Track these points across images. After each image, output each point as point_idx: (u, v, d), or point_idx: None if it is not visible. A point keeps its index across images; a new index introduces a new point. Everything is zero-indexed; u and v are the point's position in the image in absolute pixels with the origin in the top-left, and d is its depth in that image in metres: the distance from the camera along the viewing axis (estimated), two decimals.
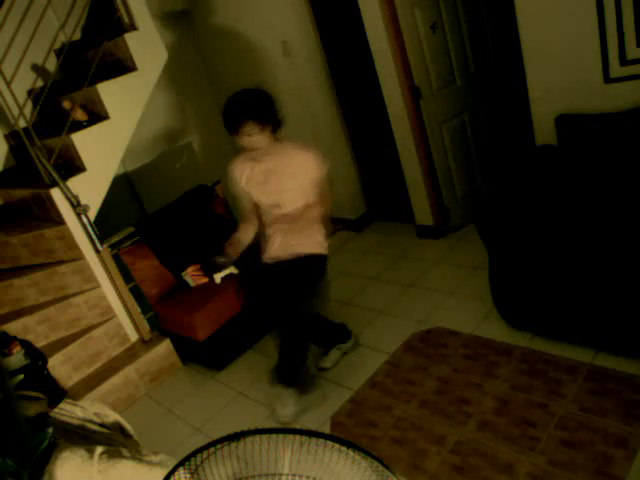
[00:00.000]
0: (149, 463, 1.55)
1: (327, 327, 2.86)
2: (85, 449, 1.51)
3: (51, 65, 3.62)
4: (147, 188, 4.31)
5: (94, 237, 3.02)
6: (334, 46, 4.01)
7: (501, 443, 2.12)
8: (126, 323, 3.25)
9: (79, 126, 3.15)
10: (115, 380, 3.05)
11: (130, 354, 3.21)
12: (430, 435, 2.26)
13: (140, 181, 4.31)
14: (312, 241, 2.59)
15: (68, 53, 3.26)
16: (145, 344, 3.26)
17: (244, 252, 2.68)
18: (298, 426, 2.48)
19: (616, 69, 2.57)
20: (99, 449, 1.53)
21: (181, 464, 1.01)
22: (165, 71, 3.49)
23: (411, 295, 3.30)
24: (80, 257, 3.06)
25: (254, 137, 2.36)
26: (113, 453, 1.53)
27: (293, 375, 2.62)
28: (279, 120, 2.45)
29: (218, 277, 3.25)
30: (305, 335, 2.58)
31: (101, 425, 1.95)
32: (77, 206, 2.94)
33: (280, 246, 2.61)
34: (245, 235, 2.69)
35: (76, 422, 1.88)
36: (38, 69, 3.68)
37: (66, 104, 3.19)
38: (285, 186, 2.49)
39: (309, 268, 2.58)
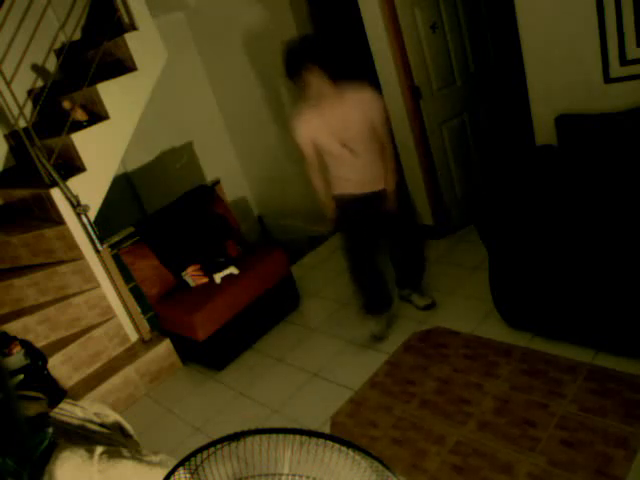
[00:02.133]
0: (149, 463, 1.56)
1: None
2: (85, 449, 1.51)
3: (51, 65, 3.61)
4: (147, 188, 4.32)
5: (94, 237, 3.02)
6: (334, 46, 4.00)
7: (501, 443, 2.12)
8: (126, 323, 3.25)
9: (79, 126, 3.15)
10: (115, 380, 3.05)
11: (130, 354, 3.21)
12: (430, 435, 2.26)
13: (140, 181, 4.31)
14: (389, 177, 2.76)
15: (68, 53, 3.26)
16: (145, 344, 3.26)
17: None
18: (298, 426, 2.49)
19: (616, 69, 2.57)
20: (99, 449, 1.53)
21: (181, 464, 1.01)
22: (165, 71, 3.48)
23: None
24: (80, 257, 3.07)
25: (316, 80, 2.43)
26: (113, 453, 1.54)
27: (377, 302, 3.00)
28: (338, 67, 2.52)
29: (218, 277, 3.25)
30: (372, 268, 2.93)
31: (101, 425, 1.95)
32: (77, 206, 2.95)
33: (364, 180, 2.72)
34: (324, 183, 2.80)
35: (76, 422, 1.88)
36: (38, 69, 3.68)
37: (66, 104, 3.19)
38: (353, 126, 2.54)
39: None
